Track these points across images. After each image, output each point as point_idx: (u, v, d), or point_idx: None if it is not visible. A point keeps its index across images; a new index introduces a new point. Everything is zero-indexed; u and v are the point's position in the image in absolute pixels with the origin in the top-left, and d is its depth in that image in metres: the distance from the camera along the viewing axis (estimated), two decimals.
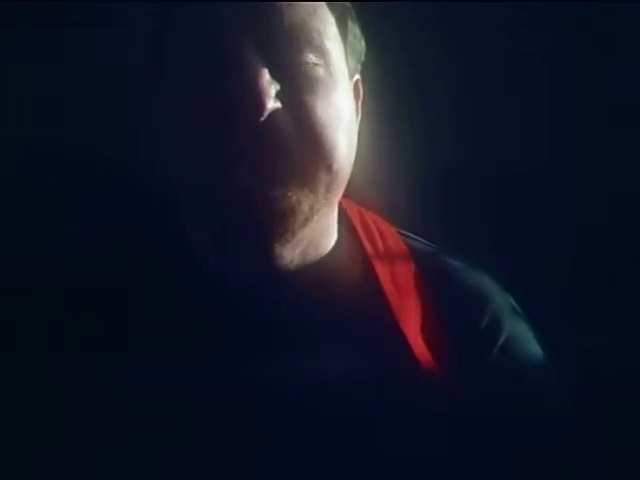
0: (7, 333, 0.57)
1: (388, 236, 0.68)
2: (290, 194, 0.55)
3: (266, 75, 0.54)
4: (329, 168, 0.57)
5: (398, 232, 0.70)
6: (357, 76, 0.64)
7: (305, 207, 0.56)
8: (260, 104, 0.53)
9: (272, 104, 0.54)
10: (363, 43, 0.64)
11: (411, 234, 0.70)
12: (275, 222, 0.56)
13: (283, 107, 0.55)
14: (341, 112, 0.58)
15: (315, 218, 0.58)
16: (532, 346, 0.65)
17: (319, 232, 0.61)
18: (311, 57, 0.56)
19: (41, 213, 0.86)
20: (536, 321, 0.67)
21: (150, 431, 0.54)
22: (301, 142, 0.55)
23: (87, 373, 0.55)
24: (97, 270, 0.60)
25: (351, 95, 0.62)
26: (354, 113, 0.62)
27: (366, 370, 0.57)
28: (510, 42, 0.96)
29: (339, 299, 0.60)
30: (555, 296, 0.87)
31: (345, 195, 0.63)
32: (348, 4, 0.62)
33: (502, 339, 0.63)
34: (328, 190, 0.58)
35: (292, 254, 0.59)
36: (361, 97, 0.65)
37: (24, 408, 0.55)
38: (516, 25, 0.96)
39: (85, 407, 0.55)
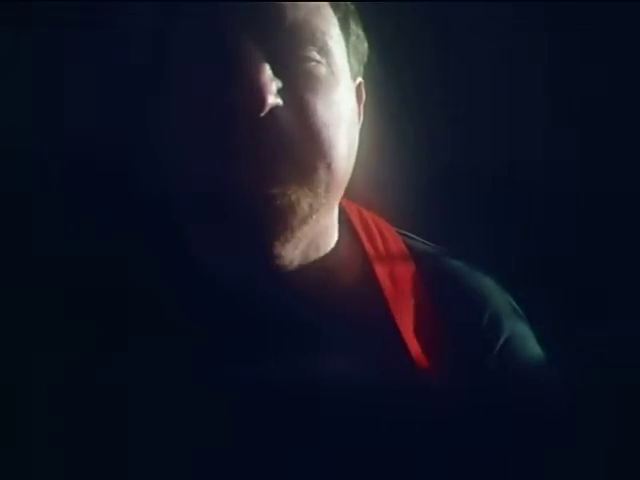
0: (6, 333, 0.57)
1: (388, 236, 0.68)
2: (289, 192, 0.55)
3: (268, 71, 0.54)
4: (328, 167, 0.57)
5: (398, 232, 0.69)
6: (359, 79, 0.64)
7: (304, 205, 0.56)
8: (261, 99, 0.53)
9: (273, 100, 0.54)
10: (366, 45, 0.64)
11: (410, 234, 0.70)
12: (274, 220, 0.56)
13: (284, 104, 0.54)
14: (342, 112, 0.58)
15: (314, 217, 0.58)
16: (532, 346, 0.65)
17: (319, 232, 0.61)
18: (314, 55, 0.56)
19: (41, 213, 0.86)
20: (535, 321, 0.67)
21: (148, 432, 0.54)
22: (300, 140, 0.55)
23: (85, 373, 0.55)
24: (94, 270, 0.60)
25: (353, 96, 0.62)
26: (356, 115, 0.62)
27: (365, 371, 0.57)
28: (513, 42, 0.96)
29: (339, 299, 0.61)
30: (555, 296, 0.87)
31: (346, 195, 0.63)
32: (352, 6, 0.62)
33: (502, 339, 0.63)
34: (327, 190, 0.57)
35: (292, 254, 0.59)
36: (363, 100, 0.65)
37: (24, 408, 0.55)
38: (518, 25, 0.96)
39: (86, 407, 0.55)
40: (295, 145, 0.55)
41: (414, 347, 0.60)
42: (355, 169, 0.62)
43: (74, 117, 0.90)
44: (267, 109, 0.53)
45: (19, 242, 0.71)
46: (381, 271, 0.64)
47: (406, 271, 0.65)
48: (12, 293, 0.59)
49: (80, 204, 0.82)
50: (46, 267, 0.62)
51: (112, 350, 0.55)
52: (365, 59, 0.64)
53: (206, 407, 0.55)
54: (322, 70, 0.57)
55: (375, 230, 0.67)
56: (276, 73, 0.55)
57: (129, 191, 0.76)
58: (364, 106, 0.65)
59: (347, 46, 0.60)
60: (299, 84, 0.56)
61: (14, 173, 0.89)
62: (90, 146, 0.88)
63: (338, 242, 0.65)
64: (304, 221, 0.57)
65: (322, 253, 0.63)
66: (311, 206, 0.57)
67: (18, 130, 0.90)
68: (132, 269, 0.60)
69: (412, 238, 0.70)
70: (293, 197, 0.55)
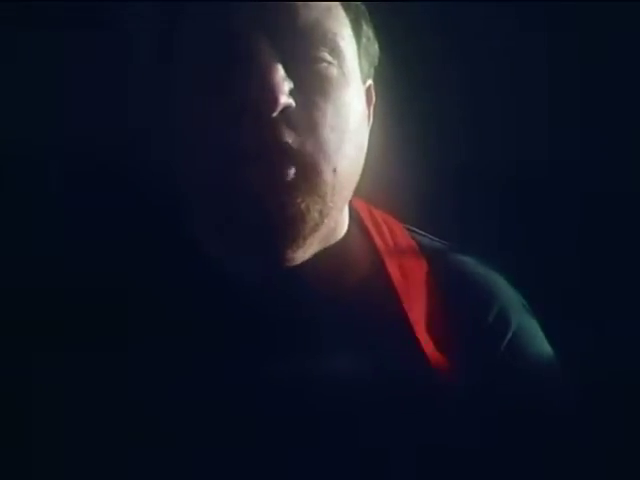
0: (8, 333, 0.57)
1: (397, 232, 0.68)
2: (298, 201, 0.55)
3: (280, 71, 0.54)
4: (334, 171, 0.57)
5: (407, 228, 0.70)
6: (370, 81, 0.64)
7: (315, 214, 0.56)
8: (274, 99, 0.53)
9: (285, 100, 0.54)
10: (376, 47, 0.64)
11: (419, 230, 0.70)
12: (286, 227, 0.56)
13: (295, 105, 0.54)
14: (351, 115, 0.58)
15: (325, 221, 0.58)
16: (539, 342, 0.66)
17: (329, 233, 0.62)
18: (325, 56, 0.56)
19: (45, 213, 0.86)
20: (543, 318, 0.67)
21: (159, 430, 0.54)
22: (307, 143, 0.55)
23: (94, 373, 0.55)
24: (103, 270, 0.60)
25: (363, 98, 0.62)
26: (365, 117, 0.62)
27: (375, 366, 0.58)
28: (523, 42, 0.96)
29: (349, 295, 0.61)
30: (567, 294, 0.87)
31: (357, 194, 0.63)
32: (363, 7, 0.62)
33: (509, 335, 0.63)
34: (334, 193, 0.57)
35: (303, 256, 0.60)
36: (373, 102, 0.65)
37: (26, 408, 0.55)
38: (527, 25, 0.96)
39: (94, 407, 0.55)
40: (302, 147, 0.55)
41: (423, 342, 0.60)
42: (366, 168, 0.62)
43: (75, 117, 0.90)
44: (279, 109, 0.53)
45: (22, 242, 0.71)
46: (391, 266, 0.64)
47: (416, 266, 0.65)
48: (14, 293, 0.59)
49: (86, 204, 0.82)
50: (51, 267, 0.62)
51: (121, 350, 0.56)
52: (376, 61, 0.64)
53: (220, 405, 0.55)
54: (333, 71, 0.57)
55: (384, 226, 0.68)
56: (288, 73, 0.55)
57: (136, 191, 0.76)
58: (374, 107, 0.65)
59: (358, 48, 0.60)
60: (310, 85, 0.56)
61: (14, 173, 0.89)
62: (93, 146, 0.88)
63: (348, 238, 0.65)
64: (315, 229, 0.57)
65: (332, 250, 0.63)
66: (321, 212, 0.57)
67: (18, 130, 0.90)
68: (140, 267, 0.60)
69: (420, 234, 0.70)
70: (303, 205, 0.55)
